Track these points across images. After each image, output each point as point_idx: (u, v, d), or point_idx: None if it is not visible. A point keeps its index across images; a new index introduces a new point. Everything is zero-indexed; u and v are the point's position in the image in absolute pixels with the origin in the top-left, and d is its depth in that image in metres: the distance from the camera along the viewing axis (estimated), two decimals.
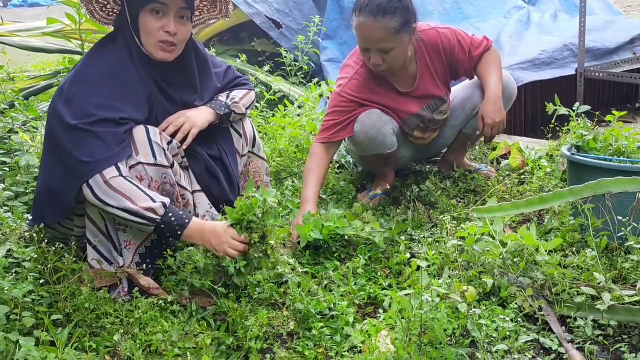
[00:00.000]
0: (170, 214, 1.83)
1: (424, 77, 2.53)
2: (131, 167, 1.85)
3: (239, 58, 3.56)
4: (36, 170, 2.30)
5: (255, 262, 1.89)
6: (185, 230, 1.85)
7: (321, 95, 3.35)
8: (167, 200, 1.85)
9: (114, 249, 1.92)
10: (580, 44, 3.69)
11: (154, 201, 1.81)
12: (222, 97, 2.19)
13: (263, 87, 3.49)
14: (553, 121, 2.63)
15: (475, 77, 2.63)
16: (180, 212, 1.87)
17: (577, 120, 2.47)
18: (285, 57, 3.57)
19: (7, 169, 2.37)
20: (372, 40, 2.29)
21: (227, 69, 2.30)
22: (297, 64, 3.62)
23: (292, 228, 2.23)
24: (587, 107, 2.44)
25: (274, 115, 3.12)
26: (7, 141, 2.61)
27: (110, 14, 2.06)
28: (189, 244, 1.94)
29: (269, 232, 1.87)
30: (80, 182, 1.80)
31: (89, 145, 1.80)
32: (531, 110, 3.75)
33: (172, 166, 1.96)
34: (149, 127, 1.92)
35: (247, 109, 2.25)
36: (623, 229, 1.84)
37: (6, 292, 1.61)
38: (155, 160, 1.89)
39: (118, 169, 1.80)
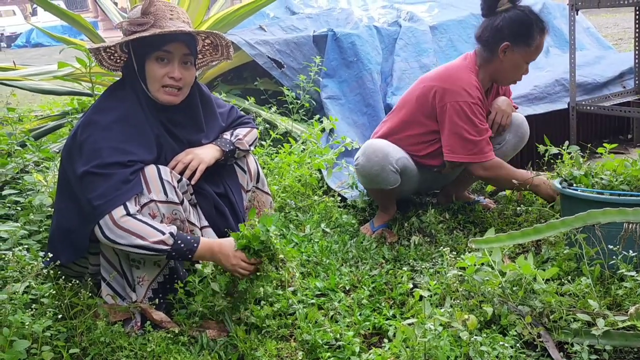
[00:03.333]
0: (179, 241, 1.92)
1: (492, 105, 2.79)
2: (144, 205, 1.93)
3: (247, 100, 3.68)
4: (49, 209, 2.37)
5: (264, 274, 2.01)
6: (196, 253, 1.95)
7: (323, 130, 3.46)
8: (174, 229, 1.92)
9: (127, 285, 1.99)
10: (571, 79, 3.81)
11: (162, 234, 1.89)
12: (227, 135, 2.29)
13: (267, 125, 3.59)
14: (547, 155, 2.73)
15: None
16: (188, 237, 1.96)
17: (570, 154, 2.56)
18: (287, 95, 3.69)
19: (20, 208, 2.44)
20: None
21: (230, 108, 2.40)
22: (299, 101, 3.73)
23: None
24: (576, 148, 2.54)
25: (277, 153, 3.22)
26: (19, 181, 2.69)
27: (118, 61, 2.17)
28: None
29: (276, 250, 1.97)
30: (92, 224, 1.86)
31: (100, 187, 1.87)
32: (527, 143, 3.84)
33: (182, 203, 2.04)
34: (159, 166, 2.00)
35: (250, 145, 2.35)
36: (614, 257, 1.92)
37: (26, 327, 1.66)
38: (167, 197, 1.98)
39: (126, 207, 1.87)
